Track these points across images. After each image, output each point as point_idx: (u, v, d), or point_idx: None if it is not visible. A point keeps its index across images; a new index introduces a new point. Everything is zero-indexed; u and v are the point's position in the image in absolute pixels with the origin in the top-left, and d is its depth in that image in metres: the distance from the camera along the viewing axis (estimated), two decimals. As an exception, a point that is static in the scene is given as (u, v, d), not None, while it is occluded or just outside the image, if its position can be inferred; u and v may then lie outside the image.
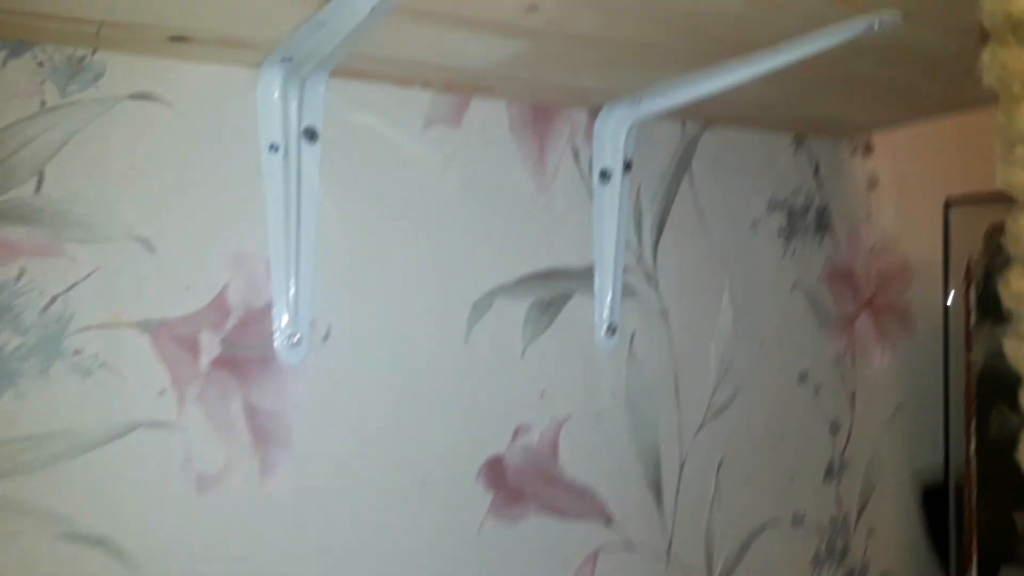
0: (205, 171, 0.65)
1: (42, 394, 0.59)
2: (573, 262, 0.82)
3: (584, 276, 0.82)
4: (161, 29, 0.56)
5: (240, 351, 0.66)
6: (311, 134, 0.68)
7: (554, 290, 0.81)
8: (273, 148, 0.66)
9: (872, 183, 1.02)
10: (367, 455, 0.72)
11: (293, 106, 0.66)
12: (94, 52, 0.60)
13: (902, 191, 1.03)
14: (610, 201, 0.81)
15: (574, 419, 0.82)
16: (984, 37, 0.32)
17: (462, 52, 0.63)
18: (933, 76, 0.72)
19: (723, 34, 0.60)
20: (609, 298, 0.82)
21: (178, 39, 0.58)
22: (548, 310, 0.80)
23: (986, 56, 0.31)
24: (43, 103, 0.59)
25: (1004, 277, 0.32)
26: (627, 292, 0.85)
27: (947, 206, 0.95)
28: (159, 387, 0.63)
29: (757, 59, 0.64)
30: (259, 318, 0.67)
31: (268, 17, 0.55)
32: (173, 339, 0.64)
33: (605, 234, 0.81)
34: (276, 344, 0.68)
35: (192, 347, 0.65)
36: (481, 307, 0.77)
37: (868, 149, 1.01)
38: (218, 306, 0.66)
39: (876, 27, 0.58)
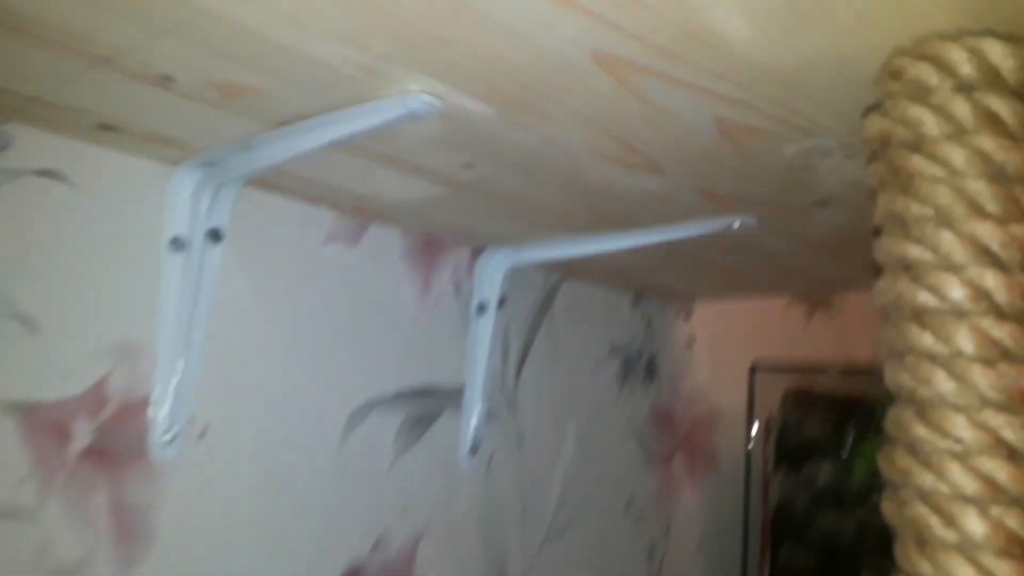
0: (102, 257, 0.58)
1: None
2: (445, 383, 0.80)
3: (453, 397, 0.80)
4: (93, 115, 0.52)
5: (113, 443, 0.58)
6: (216, 235, 0.63)
7: (426, 407, 0.78)
8: (176, 244, 0.61)
9: (690, 342, 1.08)
10: (231, 556, 0.64)
11: (203, 207, 0.62)
12: (5, 122, 0.54)
13: (714, 351, 1.10)
14: (484, 331, 0.81)
15: (430, 533, 0.77)
16: (877, 270, 0.35)
17: (385, 188, 0.62)
18: (768, 267, 0.79)
19: (616, 210, 0.63)
20: (475, 419, 0.80)
21: (106, 127, 0.54)
22: (419, 426, 0.77)
23: (881, 284, 0.34)
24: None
25: (886, 453, 0.33)
26: (490, 415, 0.83)
27: (752, 369, 1.02)
28: (20, 474, 0.54)
29: (633, 235, 0.68)
30: (136, 410, 0.60)
31: (210, 126, 0.52)
32: (42, 425, 0.55)
33: (477, 360, 0.80)
34: (151, 438, 0.60)
35: (62, 435, 0.56)
36: (357, 417, 0.72)
37: (689, 313, 1.08)
38: (95, 394, 0.58)
39: (736, 226, 0.63)
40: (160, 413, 0.60)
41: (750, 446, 1.03)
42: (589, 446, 0.95)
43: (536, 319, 0.89)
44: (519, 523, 0.86)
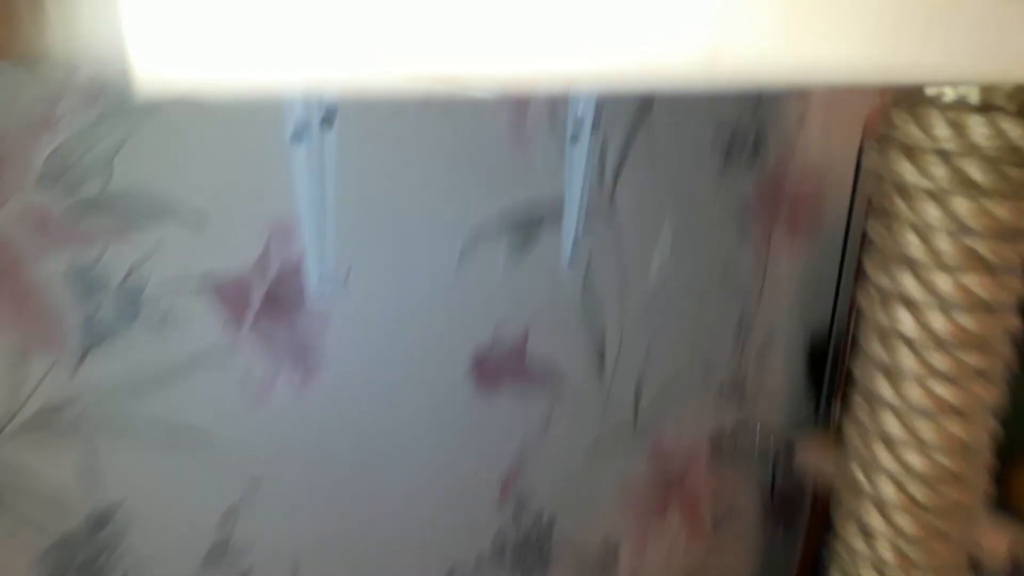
0: (241, 156, 0.70)
1: (134, 338, 0.68)
2: (546, 204, 0.89)
3: (554, 215, 0.90)
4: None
5: (281, 295, 0.75)
6: (328, 120, 0.72)
7: (529, 228, 0.89)
8: (297, 134, 0.71)
9: (801, 119, 1.08)
10: (382, 363, 0.83)
11: (313, 100, 0.70)
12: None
13: (825, 128, 1.09)
14: (580, 151, 0.87)
15: (538, 324, 0.93)
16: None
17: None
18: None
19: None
20: (573, 232, 0.90)
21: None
22: (524, 245, 0.89)
23: (863, 297, 0.40)
24: (101, 112, 0.63)
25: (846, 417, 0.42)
26: (588, 223, 0.93)
27: (862, 146, 1.02)
28: (222, 324, 0.72)
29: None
30: (294, 268, 0.75)
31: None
32: (230, 289, 0.72)
33: (574, 179, 0.88)
34: (308, 287, 0.76)
35: (244, 294, 0.73)
36: (470, 244, 0.85)
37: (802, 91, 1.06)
38: (261, 263, 0.73)
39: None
40: (311, 268, 0.75)
41: (852, 219, 1.08)
42: (687, 233, 1.03)
43: (635, 123, 0.93)
44: (616, 306, 0.99)
